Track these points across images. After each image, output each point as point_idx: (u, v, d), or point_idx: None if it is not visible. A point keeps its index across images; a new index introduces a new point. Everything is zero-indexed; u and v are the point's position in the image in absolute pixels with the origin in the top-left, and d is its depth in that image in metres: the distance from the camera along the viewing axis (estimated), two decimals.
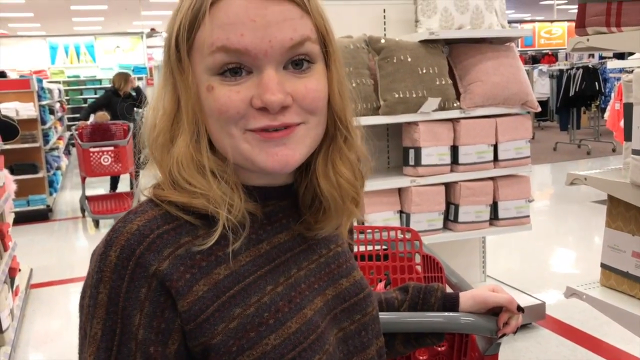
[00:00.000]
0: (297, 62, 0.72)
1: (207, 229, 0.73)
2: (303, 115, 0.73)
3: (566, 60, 13.17)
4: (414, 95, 2.96)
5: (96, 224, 6.54)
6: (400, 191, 3.13)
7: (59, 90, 10.61)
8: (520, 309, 1.06)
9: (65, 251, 5.84)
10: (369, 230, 1.81)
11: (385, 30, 3.28)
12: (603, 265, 2.00)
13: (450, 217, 3.22)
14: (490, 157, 3.19)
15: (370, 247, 1.84)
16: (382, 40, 2.99)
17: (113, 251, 0.69)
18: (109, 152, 6.47)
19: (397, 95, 2.93)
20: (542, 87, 11.62)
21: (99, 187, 8.21)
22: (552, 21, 17.15)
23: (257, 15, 0.69)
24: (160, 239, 0.71)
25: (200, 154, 0.73)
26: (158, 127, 0.76)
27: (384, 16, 3.29)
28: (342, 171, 0.79)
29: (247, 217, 0.74)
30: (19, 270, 4.15)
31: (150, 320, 0.68)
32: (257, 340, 0.72)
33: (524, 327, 3.43)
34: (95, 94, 13.10)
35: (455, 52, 3.21)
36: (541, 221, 5.68)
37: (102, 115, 7.02)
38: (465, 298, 1.09)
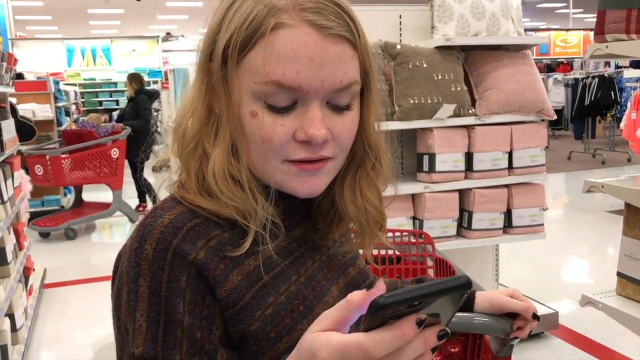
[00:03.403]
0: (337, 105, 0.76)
1: (232, 227, 0.77)
2: (336, 150, 0.77)
3: (581, 69, 13.10)
4: (429, 101, 2.95)
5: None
6: (413, 197, 3.12)
7: (75, 93, 10.71)
8: (536, 317, 1.06)
9: (79, 252, 5.88)
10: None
11: (401, 36, 3.29)
12: (619, 274, 1.98)
13: (464, 224, 3.21)
14: (505, 164, 3.17)
15: (382, 250, 1.83)
16: (398, 46, 2.99)
17: (149, 244, 0.71)
18: (42, 162, 5.64)
19: (412, 101, 2.93)
20: (556, 96, 11.54)
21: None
22: (567, 30, 17.04)
23: (316, 54, 0.70)
24: (193, 230, 0.73)
25: (238, 167, 0.76)
26: (190, 130, 0.78)
27: (400, 22, 3.29)
28: (369, 197, 0.84)
29: (281, 225, 0.78)
30: (33, 269, 4.18)
31: (192, 307, 0.71)
32: (292, 326, 0.76)
33: (536, 336, 3.40)
34: (111, 96, 13.23)
35: (471, 58, 3.20)
36: (555, 230, 5.64)
37: (93, 117, 6.92)
38: (481, 299, 1.08)
